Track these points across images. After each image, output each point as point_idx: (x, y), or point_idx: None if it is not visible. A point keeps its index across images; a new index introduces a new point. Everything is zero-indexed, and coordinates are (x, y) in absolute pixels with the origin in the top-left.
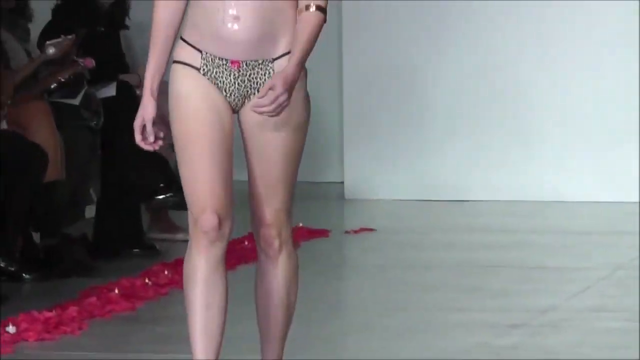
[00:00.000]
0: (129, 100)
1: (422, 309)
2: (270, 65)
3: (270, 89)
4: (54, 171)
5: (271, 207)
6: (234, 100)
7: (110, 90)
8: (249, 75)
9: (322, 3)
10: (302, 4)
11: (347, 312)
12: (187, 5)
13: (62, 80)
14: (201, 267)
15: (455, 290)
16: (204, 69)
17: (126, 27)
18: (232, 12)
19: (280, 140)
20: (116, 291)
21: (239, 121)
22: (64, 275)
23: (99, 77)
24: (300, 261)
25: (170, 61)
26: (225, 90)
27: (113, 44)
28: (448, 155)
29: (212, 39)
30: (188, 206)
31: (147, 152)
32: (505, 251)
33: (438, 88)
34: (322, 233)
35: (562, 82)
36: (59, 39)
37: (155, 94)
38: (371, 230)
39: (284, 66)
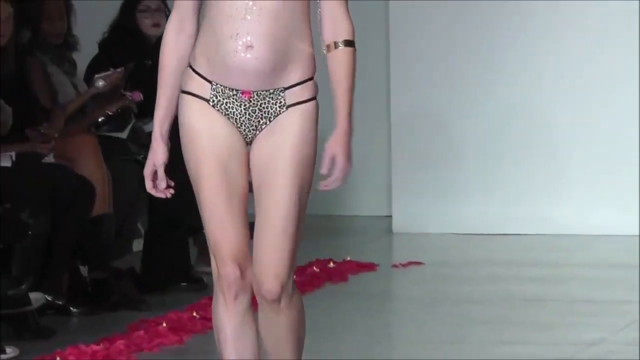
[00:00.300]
0: (177, 133)
1: (470, 343)
2: (281, 94)
3: (332, 159)
4: (102, 205)
5: (276, 256)
6: (245, 131)
7: None
8: (260, 106)
9: (350, 35)
10: (328, 40)
11: (394, 346)
12: (196, 38)
13: (110, 113)
14: (229, 322)
15: (502, 323)
16: (213, 100)
17: None
18: (246, 40)
19: (289, 174)
20: (164, 325)
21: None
22: (111, 309)
23: (146, 110)
24: (348, 295)
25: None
26: (236, 121)
27: None
28: (495, 189)
29: (223, 68)
30: (209, 248)
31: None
32: (552, 284)
33: (483, 124)
34: (370, 267)
35: (602, 120)
36: (108, 72)
37: (165, 137)
38: (419, 263)
39: (294, 96)
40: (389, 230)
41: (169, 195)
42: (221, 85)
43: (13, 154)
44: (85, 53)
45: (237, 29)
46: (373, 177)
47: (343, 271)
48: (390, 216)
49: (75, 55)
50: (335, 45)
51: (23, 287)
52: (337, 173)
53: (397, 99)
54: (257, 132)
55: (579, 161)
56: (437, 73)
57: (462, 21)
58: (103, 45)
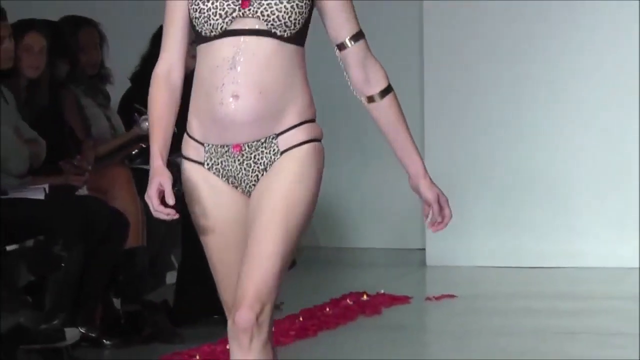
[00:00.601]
0: None
1: None
2: (274, 142)
3: (435, 202)
4: (135, 237)
5: (255, 281)
6: (245, 187)
7: None
8: (254, 158)
9: (385, 82)
10: (364, 92)
11: None
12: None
13: (143, 146)
14: None
15: (536, 356)
16: (207, 163)
17: None
18: (231, 90)
19: (277, 213)
20: (197, 357)
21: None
22: (145, 342)
23: (179, 144)
24: (381, 327)
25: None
26: (235, 179)
27: None
28: (528, 222)
29: (211, 122)
30: (220, 296)
31: None
32: (583, 317)
33: (512, 158)
34: (404, 300)
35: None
36: None
37: (166, 157)
38: (452, 296)
39: (289, 141)
40: (423, 262)
41: (176, 216)
42: (213, 145)
43: (46, 186)
44: (117, 85)
45: (223, 79)
46: (407, 210)
47: (376, 304)
48: (424, 249)
49: (108, 88)
50: (375, 97)
51: (56, 322)
52: (448, 210)
53: (430, 133)
54: (255, 183)
55: (608, 195)
56: (469, 109)
57: (491, 62)
58: (135, 79)
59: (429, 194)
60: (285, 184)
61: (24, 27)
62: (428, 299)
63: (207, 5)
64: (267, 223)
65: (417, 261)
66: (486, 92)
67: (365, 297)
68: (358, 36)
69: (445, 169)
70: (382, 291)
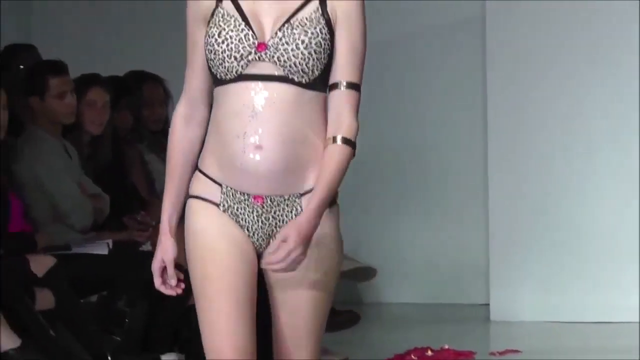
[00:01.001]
0: None
1: None
2: (297, 201)
3: (283, 241)
4: None
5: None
6: (258, 240)
7: None
8: (274, 213)
9: (350, 134)
10: (329, 134)
11: None
12: (206, 127)
13: None
14: None
15: None
16: (223, 205)
17: None
18: (254, 140)
19: (307, 288)
20: None
21: (261, 263)
22: None
23: None
24: None
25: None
26: (248, 229)
27: None
28: (593, 277)
29: (231, 170)
30: (207, 355)
31: None
32: None
33: (580, 213)
34: (468, 355)
35: None
36: None
37: (174, 232)
38: (516, 351)
39: None
40: (487, 318)
41: (180, 292)
42: (232, 189)
43: (110, 241)
44: None
45: (245, 127)
46: (471, 265)
47: (441, 359)
48: (488, 304)
49: None
50: (334, 140)
51: None
52: (282, 253)
53: (495, 184)
54: (271, 240)
55: None
56: (536, 157)
57: (557, 109)
58: None
59: (282, 231)
60: (311, 258)
61: (87, 82)
62: (492, 354)
63: (221, 47)
64: (298, 303)
65: (481, 316)
66: (545, 151)
67: (429, 352)
68: (353, 86)
69: (508, 223)
70: (446, 346)
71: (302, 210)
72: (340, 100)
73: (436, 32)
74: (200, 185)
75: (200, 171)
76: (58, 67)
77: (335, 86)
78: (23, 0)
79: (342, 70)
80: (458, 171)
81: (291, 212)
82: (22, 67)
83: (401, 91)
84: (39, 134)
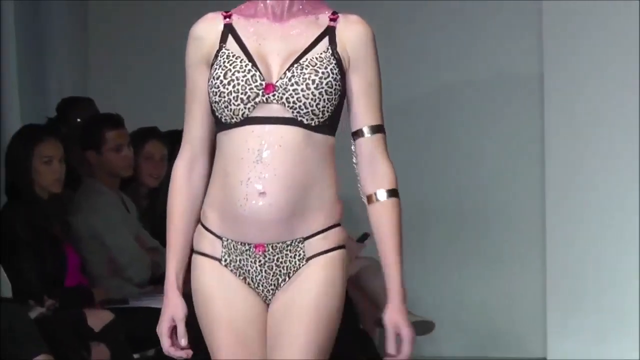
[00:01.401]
0: None
1: None
2: (300, 245)
3: (395, 332)
4: None
5: None
6: (263, 291)
7: None
8: (277, 260)
9: (392, 183)
10: (368, 189)
11: None
12: (209, 178)
13: None
14: None
15: None
16: (225, 259)
17: None
18: (258, 187)
19: (307, 327)
20: None
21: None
22: None
23: None
24: None
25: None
26: (252, 281)
27: None
28: None
29: (232, 219)
30: None
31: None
32: None
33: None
34: None
35: None
36: None
37: (182, 288)
38: None
39: (316, 246)
40: None
41: (189, 356)
42: (232, 241)
43: None
44: None
45: (249, 173)
46: (528, 318)
47: None
48: (545, 358)
49: None
50: (377, 196)
51: None
52: (406, 348)
53: (552, 233)
54: (277, 290)
55: None
56: (594, 205)
57: (616, 160)
58: None
59: (389, 323)
60: (314, 296)
61: (144, 135)
62: None
63: (227, 89)
64: (297, 338)
65: None
66: (604, 199)
67: None
68: (377, 129)
69: (566, 272)
70: None
71: (305, 254)
72: (369, 148)
73: (495, 84)
74: (202, 240)
75: (203, 226)
76: (115, 120)
77: (359, 133)
78: (80, 55)
79: (363, 116)
80: (515, 220)
81: (294, 257)
82: (79, 120)
83: (458, 138)
84: (96, 187)
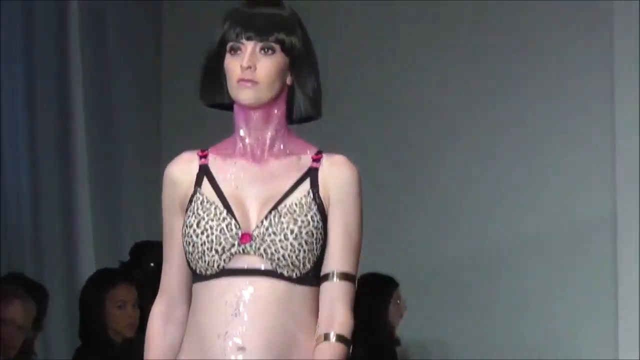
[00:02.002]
0: None
1: None
2: None
3: None
4: None
5: None
6: None
7: None
8: None
9: (344, 331)
10: (320, 331)
11: None
12: (185, 326)
13: None
14: None
15: None
16: None
17: None
18: (236, 341)
19: None
20: None
21: None
22: None
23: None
24: None
25: None
26: None
27: None
28: None
29: None
30: None
31: None
32: None
33: None
34: None
35: None
36: None
37: None
38: None
39: None
40: None
41: None
42: None
43: None
44: None
45: (227, 326)
46: None
47: None
48: None
49: None
50: (326, 337)
51: None
52: None
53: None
54: None
55: None
56: None
57: None
58: None
59: None
60: None
61: None
62: None
63: (200, 239)
64: None
65: None
66: None
67: None
68: (345, 276)
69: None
70: None
71: None
72: (333, 294)
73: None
74: None
75: None
76: None
77: (327, 277)
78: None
79: (335, 260)
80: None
81: None
82: (152, 264)
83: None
84: None
